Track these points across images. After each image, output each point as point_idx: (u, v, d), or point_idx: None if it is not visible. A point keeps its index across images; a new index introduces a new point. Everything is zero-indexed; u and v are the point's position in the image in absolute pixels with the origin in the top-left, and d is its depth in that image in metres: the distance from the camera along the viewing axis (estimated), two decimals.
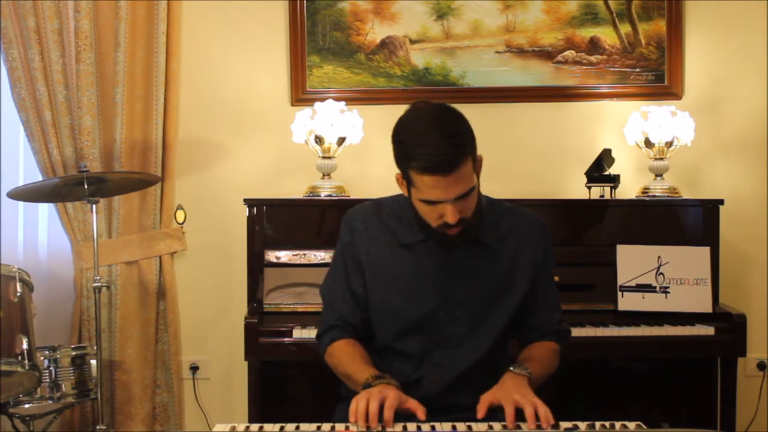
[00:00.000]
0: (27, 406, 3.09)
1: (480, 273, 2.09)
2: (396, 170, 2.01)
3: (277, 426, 1.85)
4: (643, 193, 3.51)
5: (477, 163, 1.99)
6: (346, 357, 2.10)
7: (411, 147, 1.91)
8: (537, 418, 1.84)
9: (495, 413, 1.91)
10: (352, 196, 3.46)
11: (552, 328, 2.19)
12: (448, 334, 2.08)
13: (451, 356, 2.08)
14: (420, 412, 1.87)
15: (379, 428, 1.82)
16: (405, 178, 1.98)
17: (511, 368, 2.02)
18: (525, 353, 2.14)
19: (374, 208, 2.17)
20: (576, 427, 1.82)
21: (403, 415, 1.89)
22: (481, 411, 1.90)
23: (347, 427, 1.84)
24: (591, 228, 3.45)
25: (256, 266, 3.32)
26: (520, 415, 1.87)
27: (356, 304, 2.15)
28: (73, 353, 3.18)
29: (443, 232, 1.98)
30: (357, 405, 1.85)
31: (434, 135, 1.88)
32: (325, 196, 3.42)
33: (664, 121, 3.44)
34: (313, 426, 1.86)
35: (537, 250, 2.14)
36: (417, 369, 2.09)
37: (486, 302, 2.09)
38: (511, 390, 1.92)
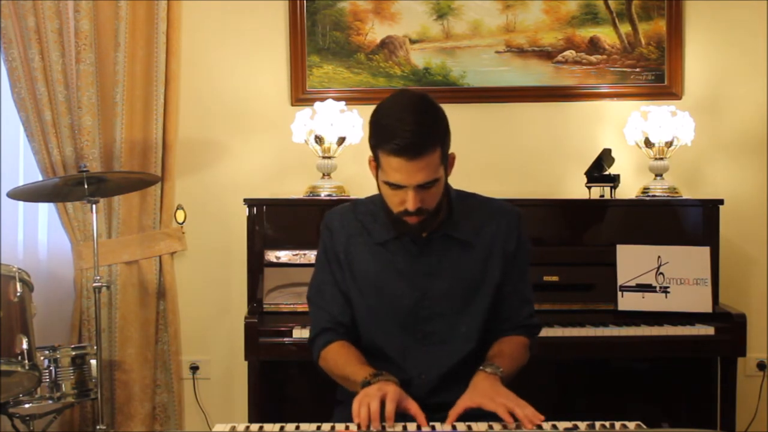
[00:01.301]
0: (27, 406, 3.09)
1: (455, 267, 2.09)
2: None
3: (277, 426, 1.85)
4: (643, 193, 3.51)
5: (448, 160, 2.01)
6: (341, 359, 2.09)
7: (383, 128, 1.94)
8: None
9: (471, 415, 1.90)
10: (352, 196, 3.45)
11: (520, 322, 2.17)
12: (430, 331, 2.08)
13: (436, 354, 2.08)
14: (421, 418, 1.86)
15: (380, 428, 1.82)
16: (375, 160, 2.00)
17: (483, 368, 2.00)
18: (494, 349, 2.11)
19: (351, 208, 2.20)
20: (576, 427, 1.82)
21: (402, 415, 1.89)
22: (452, 417, 1.87)
23: (347, 427, 1.84)
24: (591, 228, 3.45)
25: (256, 266, 3.32)
26: (493, 417, 1.86)
27: (345, 302, 2.14)
28: (73, 353, 3.18)
29: (402, 219, 2.00)
30: (359, 409, 1.84)
31: (408, 120, 1.92)
32: (325, 196, 3.42)
33: (664, 121, 3.44)
34: (313, 426, 1.86)
35: (510, 241, 2.13)
36: (403, 369, 2.08)
37: (464, 298, 2.09)
38: (491, 393, 1.90)
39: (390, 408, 1.83)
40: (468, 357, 2.08)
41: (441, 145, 1.95)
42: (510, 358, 2.07)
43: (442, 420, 1.89)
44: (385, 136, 1.93)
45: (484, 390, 1.92)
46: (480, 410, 1.88)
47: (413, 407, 1.88)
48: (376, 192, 2.15)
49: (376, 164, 2.01)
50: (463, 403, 1.91)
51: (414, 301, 2.08)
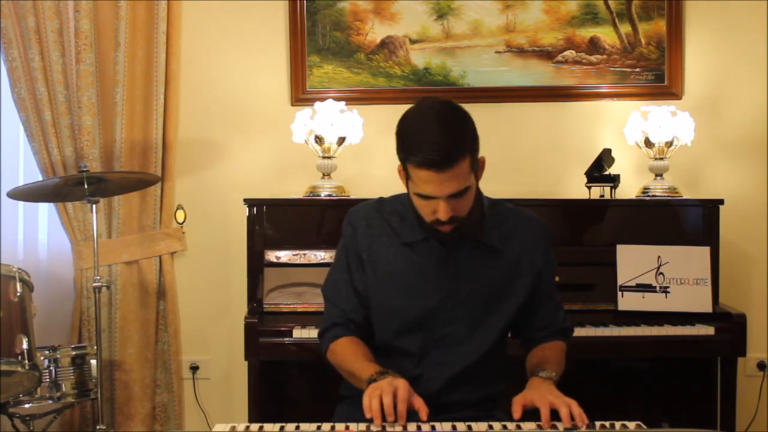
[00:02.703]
0: (27, 406, 3.09)
1: (481, 273, 2.09)
2: (398, 162, 2.02)
3: (277, 426, 1.85)
4: (643, 193, 3.51)
5: (478, 165, 1.99)
6: (349, 355, 2.09)
7: (411, 140, 1.92)
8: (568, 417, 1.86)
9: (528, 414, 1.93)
10: (352, 196, 3.46)
11: (558, 327, 2.20)
12: (448, 332, 2.09)
13: (450, 354, 2.09)
14: (423, 413, 1.87)
15: (379, 428, 1.82)
16: (404, 170, 1.99)
17: (538, 374, 2.03)
18: (539, 355, 2.14)
19: (377, 206, 2.18)
20: (576, 427, 1.83)
21: (407, 412, 1.89)
22: (517, 412, 1.90)
23: (347, 427, 1.84)
24: (591, 228, 3.45)
25: (256, 266, 3.32)
26: (553, 416, 1.88)
27: (359, 301, 2.14)
28: (73, 353, 3.18)
29: (436, 228, 1.99)
30: (370, 402, 1.85)
31: (434, 131, 1.89)
32: (325, 195, 3.42)
33: (664, 121, 3.44)
34: (313, 426, 1.86)
35: (538, 253, 2.15)
36: (417, 367, 2.09)
37: (486, 302, 2.09)
38: (544, 392, 1.93)
39: (402, 408, 1.84)
40: (480, 360, 2.09)
41: (470, 152, 1.93)
42: (557, 363, 2.11)
43: (447, 420, 1.90)
44: (412, 149, 1.91)
45: (540, 389, 1.95)
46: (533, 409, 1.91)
47: (418, 402, 1.89)
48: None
49: (406, 175, 1.99)
50: (520, 401, 1.93)
51: (437, 303, 2.08)
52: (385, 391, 1.86)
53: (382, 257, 2.11)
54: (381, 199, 2.20)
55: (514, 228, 2.14)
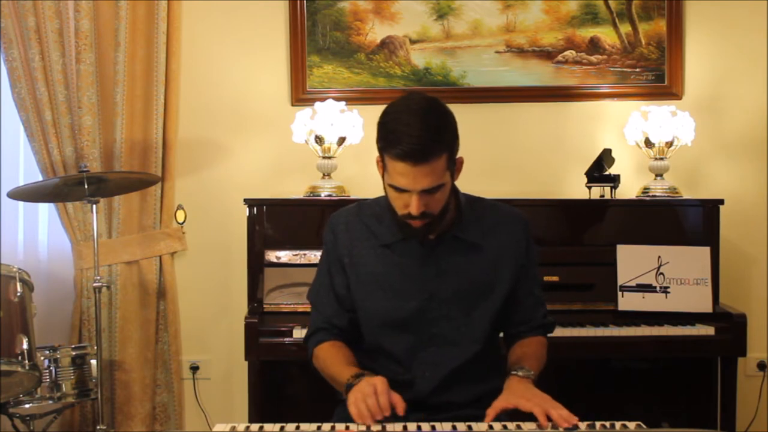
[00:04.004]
0: (27, 406, 3.10)
1: (463, 270, 2.09)
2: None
3: (277, 426, 1.85)
4: (643, 193, 3.51)
5: (455, 164, 2.00)
6: (330, 359, 2.10)
7: (390, 131, 1.93)
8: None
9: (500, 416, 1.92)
10: (353, 196, 3.46)
11: (538, 323, 2.20)
12: (436, 332, 2.09)
13: (441, 354, 2.08)
14: (399, 407, 1.87)
15: (379, 428, 1.82)
16: (381, 161, 2.00)
17: (515, 372, 2.02)
18: (518, 351, 2.14)
19: (356, 210, 2.19)
20: (576, 426, 1.83)
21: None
22: (489, 416, 1.89)
23: (347, 427, 1.84)
24: (591, 228, 3.45)
25: (256, 266, 3.32)
26: (524, 416, 1.87)
27: (341, 306, 2.15)
28: (73, 353, 3.19)
29: (406, 222, 2.00)
30: (358, 409, 1.85)
31: (415, 124, 1.90)
32: (325, 196, 3.42)
33: (664, 121, 3.44)
34: (313, 426, 1.86)
35: (520, 248, 2.15)
36: (408, 369, 2.09)
37: (471, 299, 2.09)
38: (528, 395, 1.92)
39: (383, 400, 1.85)
40: (473, 358, 2.09)
41: (448, 150, 1.94)
42: (536, 359, 2.10)
43: (446, 419, 1.90)
44: (391, 140, 1.92)
45: (521, 392, 1.94)
46: (515, 410, 1.90)
47: (395, 397, 1.89)
48: (377, 192, 2.14)
49: (383, 166, 2.00)
50: (500, 404, 1.92)
51: (421, 303, 2.08)
52: (366, 394, 1.86)
53: (364, 260, 2.12)
54: (360, 203, 2.21)
55: (495, 223, 2.14)
